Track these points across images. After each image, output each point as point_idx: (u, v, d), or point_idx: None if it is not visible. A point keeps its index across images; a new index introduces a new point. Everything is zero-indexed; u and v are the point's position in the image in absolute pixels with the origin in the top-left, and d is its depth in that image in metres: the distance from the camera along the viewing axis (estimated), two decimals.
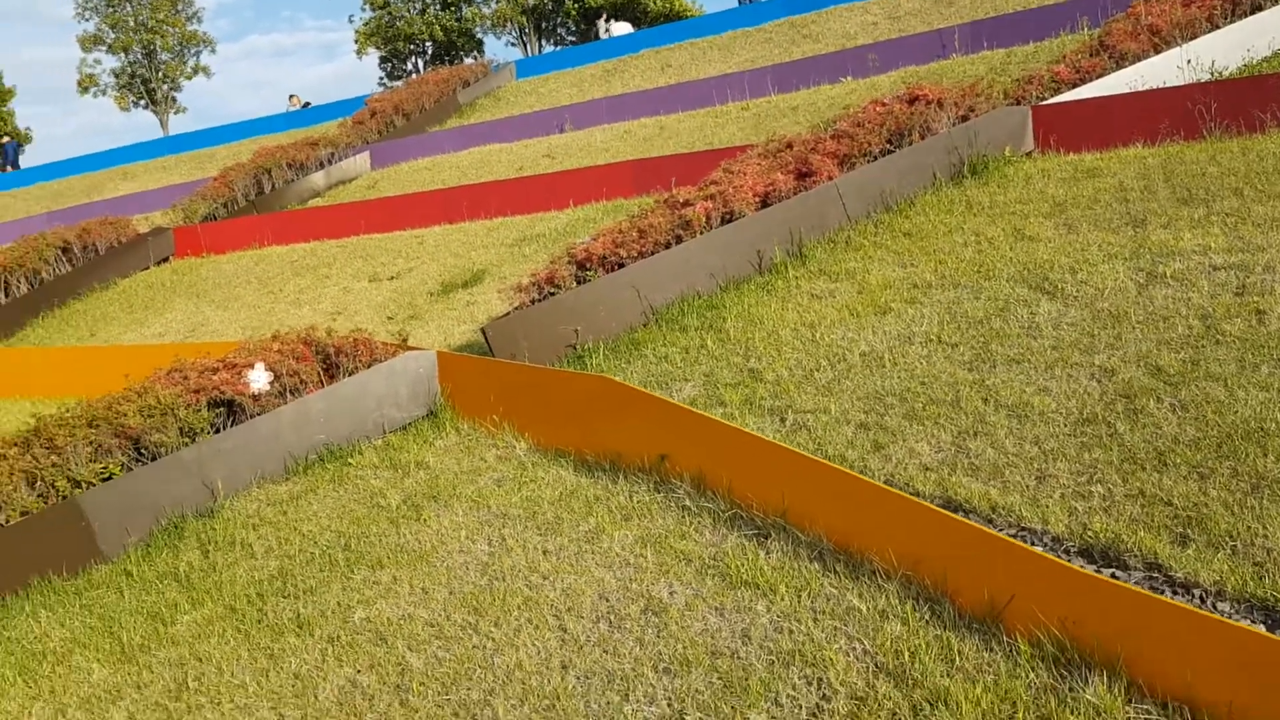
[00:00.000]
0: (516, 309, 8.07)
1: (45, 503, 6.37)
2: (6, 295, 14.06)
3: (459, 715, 3.73)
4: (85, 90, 29.62)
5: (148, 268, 15.31)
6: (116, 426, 6.56)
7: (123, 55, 27.81)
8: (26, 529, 6.23)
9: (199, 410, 6.75)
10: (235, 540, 6.00)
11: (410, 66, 32.58)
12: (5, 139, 28.70)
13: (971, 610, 3.59)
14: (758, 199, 8.49)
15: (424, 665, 4.11)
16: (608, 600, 4.20)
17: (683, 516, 4.74)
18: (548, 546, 4.79)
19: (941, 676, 3.32)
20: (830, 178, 8.65)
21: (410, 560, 5.06)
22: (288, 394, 6.95)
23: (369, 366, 7.08)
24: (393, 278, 12.05)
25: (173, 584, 5.72)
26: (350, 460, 6.64)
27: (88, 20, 29.29)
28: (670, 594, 4.14)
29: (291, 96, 25.78)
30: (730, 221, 8.32)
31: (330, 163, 18.81)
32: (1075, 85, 9.52)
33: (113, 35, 27.72)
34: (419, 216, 13.97)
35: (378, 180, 18.16)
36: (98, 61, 29.60)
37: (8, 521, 6.29)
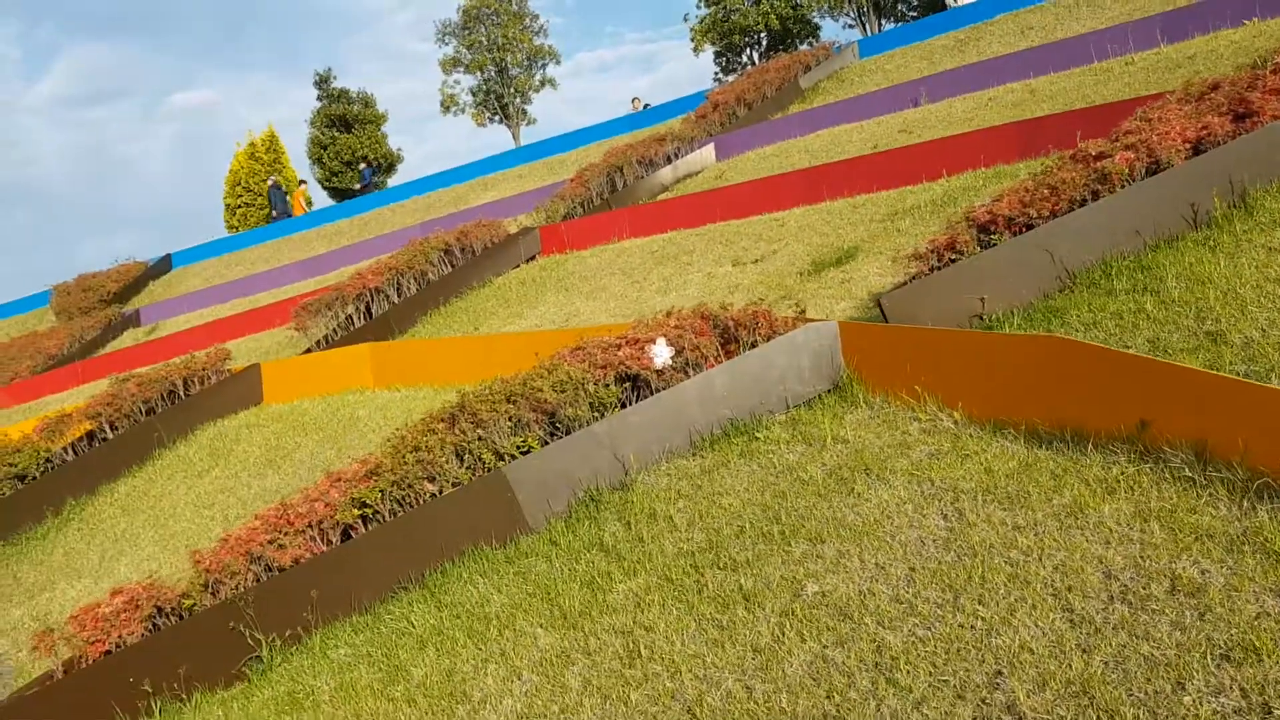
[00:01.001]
0: (914, 278, 7.55)
1: (473, 475, 6.66)
2: (399, 295, 15.35)
3: (963, 697, 3.31)
4: (447, 110, 32.53)
5: (518, 265, 16.18)
6: (533, 401, 6.74)
7: (478, 74, 30.23)
8: (460, 499, 6.53)
9: (607, 385, 6.80)
10: (655, 513, 5.94)
11: (745, 59, 32.78)
12: (363, 165, 31.80)
13: None
14: (1188, 145, 7.46)
15: (902, 643, 3.73)
16: (1118, 579, 3.63)
17: (1186, 488, 4.06)
18: (1019, 521, 4.27)
19: None
20: (1276, 117, 7.45)
21: (853, 534, 4.71)
22: (689, 368, 6.86)
23: (768, 340, 6.84)
24: (757, 260, 11.88)
25: (600, 554, 5.73)
26: (757, 435, 6.42)
27: (446, 44, 32.10)
28: (1201, 573, 3.50)
29: (634, 99, 26.69)
30: (1155, 173, 7.37)
31: (676, 157, 19.08)
32: None
33: (469, 56, 30.16)
34: (774, 200, 13.75)
35: (724, 171, 18.18)
36: (457, 82, 32.42)
37: (441, 492, 6.63)
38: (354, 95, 31.51)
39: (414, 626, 5.84)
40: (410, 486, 6.60)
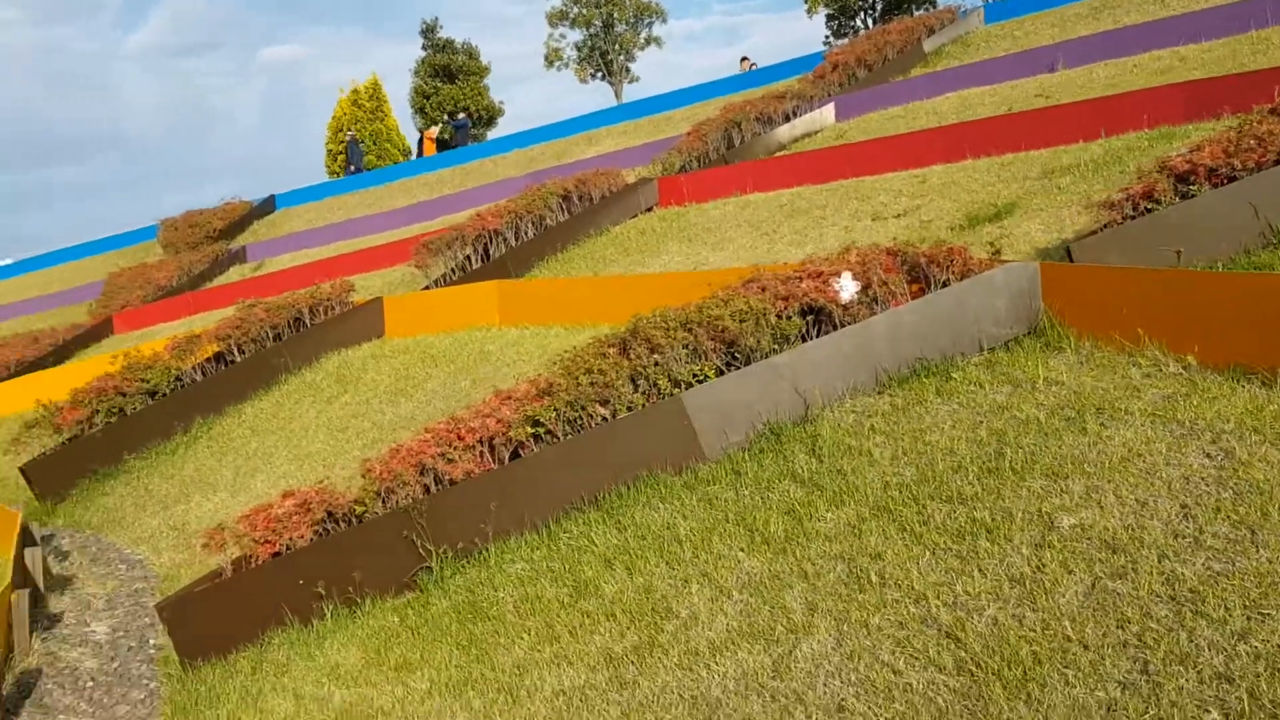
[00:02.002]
0: (1105, 226, 7.20)
1: (648, 400, 6.49)
2: (517, 238, 15.25)
3: None
4: (551, 64, 32.38)
5: (635, 215, 15.97)
6: (712, 329, 6.54)
7: (584, 29, 29.97)
8: (634, 424, 6.36)
9: (790, 317, 6.57)
10: (848, 447, 5.71)
11: (859, 23, 32.04)
12: (461, 115, 31.75)
13: None
14: None
15: (1197, 576, 3.47)
16: None
17: None
18: None
19: None
20: None
21: (1101, 471, 4.44)
22: (875, 304, 6.60)
23: (960, 279, 6.54)
24: (899, 215, 11.52)
25: (793, 484, 5.53)
26: (952, 375, 6.14)
27: None
28: None
29: (743, 59, 26.25)
30: None
31: (795, 116, 18.69)
32: None
33: (576, 10, 29.90)
34: (910, 158, 13.34)
35: (845, 130, 17.74)
36: (563, 36, 32.19)
37: (614, 416, 6.47)
38: (458, 46, 31.49)
39: (595, 545, 5.70)
40: (583, 408, 6.46)
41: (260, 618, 6.23)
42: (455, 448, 6.48)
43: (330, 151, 32.28)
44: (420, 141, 29.48)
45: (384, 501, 6.40)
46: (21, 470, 11.66)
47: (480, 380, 10.40)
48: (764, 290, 6.88)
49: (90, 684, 6.58)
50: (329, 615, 6.11)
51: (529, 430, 6.43)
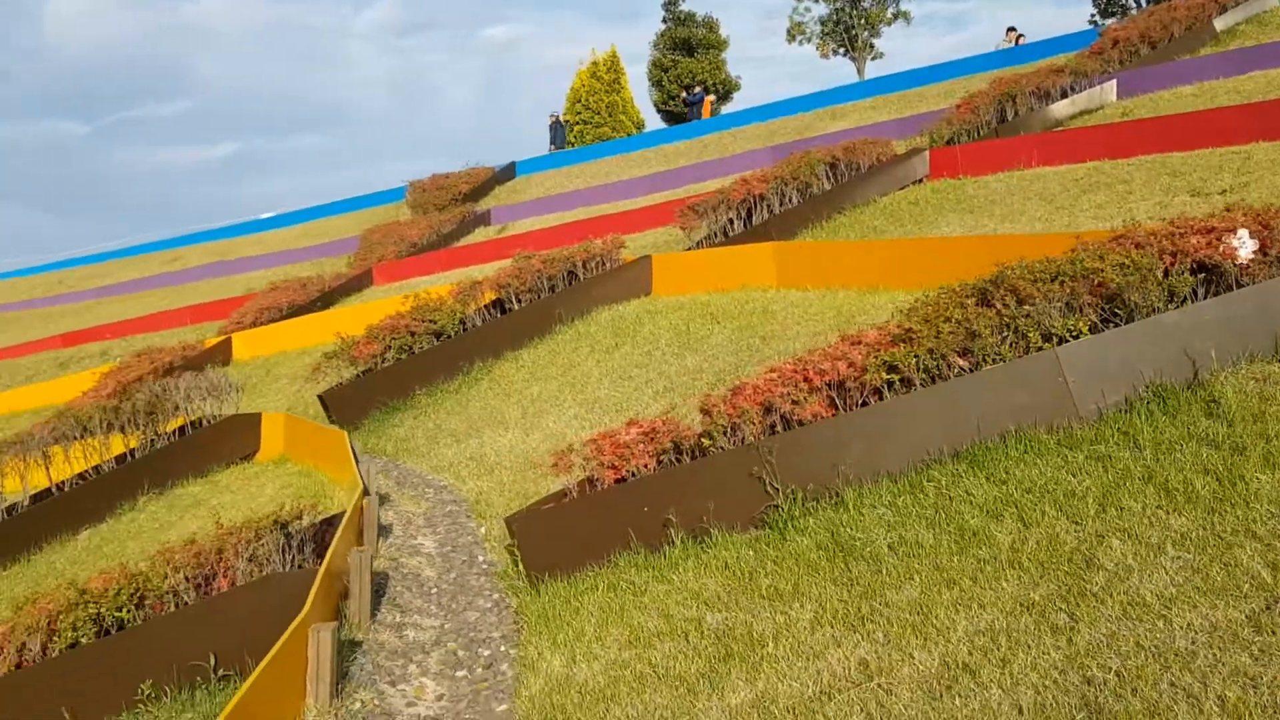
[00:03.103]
0: None
1: (1015, 352, 6.15)
2: (781, 204, 15.07)
3: None
4: (793, 38, 31.89)
5: (904, 186, 15.49)
6: (1091, 282, 6.13)
7: (830, 2, 29.43)
8: (1002, 376, 6.05)
9: (1180, 274, 6.08)
10: (1259, 413, 5.22)
11: (1130, 1, 30.14)
12: (698, 88, 31.69)
13: None
14: None
15: None
16: None
17: None
18: None
19: None
20: None
21: None
22: (1278, 265, 6.02)
23: None
24: (1223, 191, 10.65)
25: (1203, 447, 5.11)
26: None
27: None
28: None
29: (1009, 30, 25.06)
30: None
31: (1072, 91, 17.69)
32: None
33: None
34: (1223, 134, 12.38)
35: (1130, 108, 16.62)
36: (807, 9, 31.67)
37: (977, 367, 6.18)
38: (699, 19, 31.54)
39: (972, 495, 5.44)
40: (943, 357, 6.19)
41: (605, 539, 6.29)
42: (801, 389, 6.34)
43: (567, 122, 32.98)
44: (700, 105, 29.79)
45: (729, 437, 6.34)
46: (320, 398, 12.38)
47: (769, 337, 10.28)
48: (1139, 246, 6.41)
49: (435, 590, 6.84)
50: (679, 541, 6.10)
51: (884, 375, 6.21)
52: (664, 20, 32.59)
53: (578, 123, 32.70)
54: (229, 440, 11.26)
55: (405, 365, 12.48)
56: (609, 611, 5.64)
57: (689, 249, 15.20)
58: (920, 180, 15.68)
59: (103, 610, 5.53)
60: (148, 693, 5.45)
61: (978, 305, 6.51)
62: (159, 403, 10.94)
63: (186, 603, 5.66)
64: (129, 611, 5.57)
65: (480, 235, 25.38)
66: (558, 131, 30.93)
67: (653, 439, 6.45)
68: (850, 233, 14.38)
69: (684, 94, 30.85)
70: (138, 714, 5.41)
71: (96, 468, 10.78)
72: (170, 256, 32.04)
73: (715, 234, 15.19)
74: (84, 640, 5.50)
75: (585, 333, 12.73)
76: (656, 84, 33.19)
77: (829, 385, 6.35)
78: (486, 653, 5.84)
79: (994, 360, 6.17)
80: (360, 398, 12.27)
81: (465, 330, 12.95)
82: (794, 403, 6.30)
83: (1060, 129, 16.34)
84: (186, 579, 5.64)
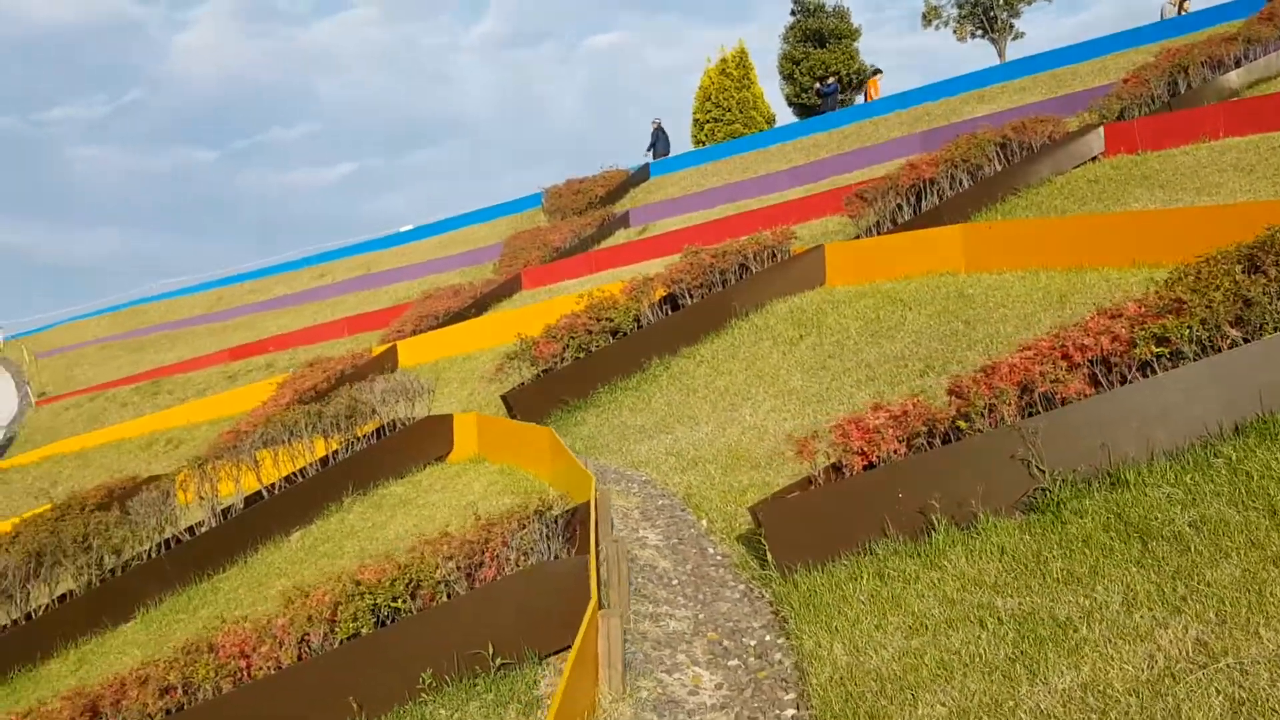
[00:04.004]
0: None
1: None
2: (952, 188, 14.66)
3: None
4: (929, 23, 31.18)
5: (1080, 165, 14.91)
6: None
7: None
8: None
9: None
10: None
11: None
12: (831, 80, 31.17)
13: None
14: None
15: None
16: None
17: None
18: None
19: None
20: None
21: None
22: None
23: None
24: None
25: None
26: None
27: None
28: None
29: None
30: None
31: (1246, 59, 16.77)
32: None
33: None
34: None
35: None
36: None
37: (1253, 336, 5.82)
38: (829, 9, 31.08)
39: (1273, 470, 5.11)
40: (1216, 327, 5.85)
41: (858, 527, 6.13)
42: (1060, 366, 6.08)
43: (697, 121, 32.93)
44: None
45: (986, 419, 6.11)
46: (503, 398, 12.56)
47: (973, 321, 9.97)
48: None
49: (675, 581, 6.79)
50: (940, 529, 5.90)
51: (1154, 349, 5.90)
52: (792, 13, 32.23)
53: (708, 121, 32.60)
54: (425, 441, 11.49)
55: (584, 364, 12.55)
56: (882, 600, 5.49)
57: (855, 237, 14.93)
58: (1095, 158, 15.07)
59: (379, 601, 5.64)
60: (428, 682, 5.54)
61: (1244, 273, 6.15)
62: (357, 406, 11.24)
63: (457, 592, 5.73)
64: (404, 601, 5.67)
65: (621, 237, 25.51)
66: (660, 138, 30.94)
67: (903, 423, 6.27)
68: (1027, 214, 13.91)
69: (817, 85, 30.41)
70: (422, 703, 5.49)
71: (301, 471, 11.13)
72: (319, 271, 33.17)
73: (884, 222, 14.87)
74: (364, 631, 5.61)
75: (763, 325, 12.59)
76: (788, 77, 32.84)
77: (1090, 362, 6.07)
78: (752, 642, 5.75)
79: (1275, 328, 5.80)
80: (541, 397, 12.39)
81: (640, 328, 12.96)
82: (1054, 381, 6.04)
83: (1237, 99, 15.50)
84: (457, 568, 5.70)
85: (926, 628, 5.07)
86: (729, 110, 32.16)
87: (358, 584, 5.73)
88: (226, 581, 10.08)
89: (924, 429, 6.26)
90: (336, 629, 5.62)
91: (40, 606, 9.87)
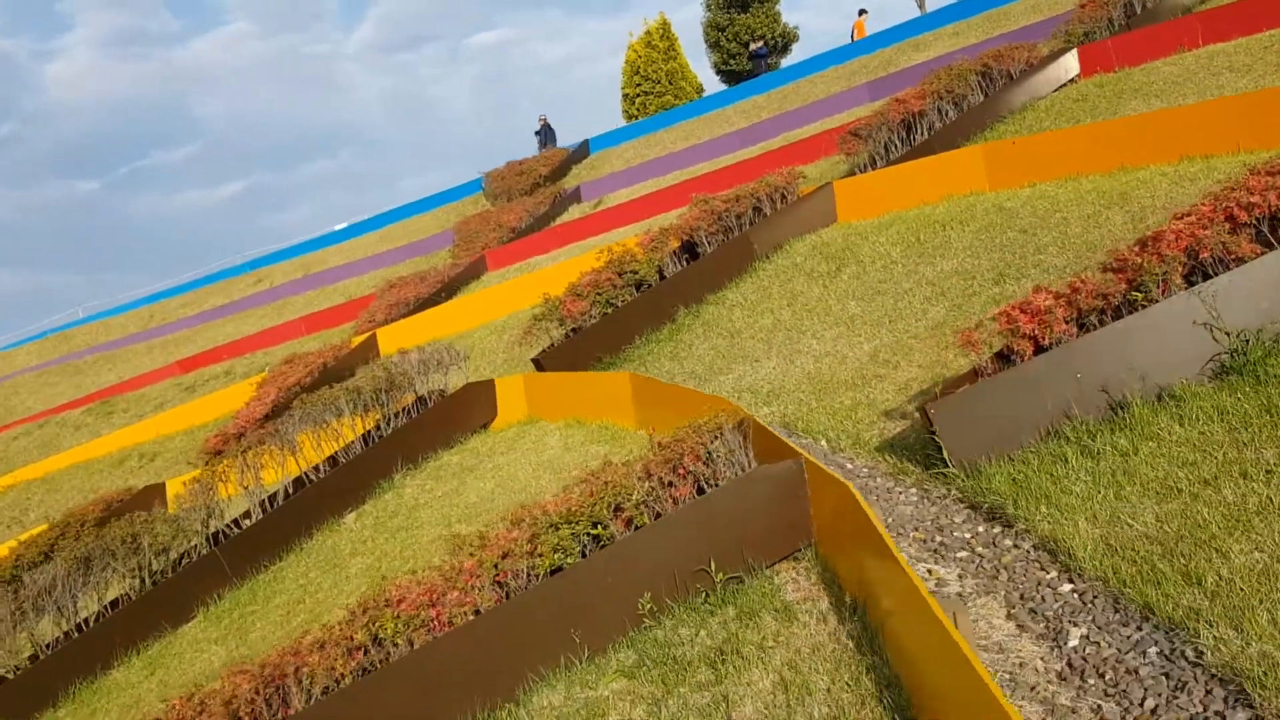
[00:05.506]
0: None
1: None
2: (940, 120, 14.70)
3: None
4: None
5: (1059, 88, 15.07)
6: None
7: None
8: None
9: None
10: None
11: None
12: (758, 44, 31.16)
13: None
14: None
15: None
16: None
17: None
18: None
19: None
20: None
21: None
22: None
23: None
24: None
25: None
26: None
27: None
28: None
29: None
30: None
31: None
32: None
33: None
34: None
35: None
36: None
37: None
38: None
39: None
40: None
41: (1038, 413, 5.97)
42: (1222, 228, 6.00)
43: (627, 95, 32.63)
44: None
45: (1158, 289, 6.01)
46: (534, 360, 12.12)
47: (1029, 230, 9.93)
48: None
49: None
50: (1134, 404, 5.77)
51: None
52: None
53: (638, 95, 32.34)
54: (470, 409, 11.00)
55: (612, 319, 12.20)
56: (1107, 474, 5.32)
57: (850, 172, 14.88)
58: (1074, 80, 15.26)
59: (577, 530, 5.25)
60: (648, 607, 5.17)
61: None
62: (394, 379, 10.69)
63: (657, 513, 5.37)
64: (605, 528, 5.29)
65: (576, 212, 25.09)
66: (547, 134, 30.95)
67: (1073, 302, 6.12)
68: (1016, 135, 13.98)
69: (753, 47, 30.40)
70: (649, 628, 5.13)
71: (346, 449, 10.54)
72: (254, 278, 31.88)
73: (876, 157, 14.83)
74: (569, 562, 5.22)
75: (791, 265, 12.40)
76: (714, 45, 32.77)
77: (1257, 220, 6.01)
78: (966, 535, 5.53)
79: None
80: (574, 355, 11.99)
81: (663, 279, 12.66)
82: (1222, 244, 5.97)
83: (1207, 7, 15.86)
84: (661, 483, 5.35)
85: (1179, 490, 4.92)
86: (658, 82, 31.93)
87: (546, 513, 5.33)
88: (289, 569, 9.46)
89: (1097, 306, 6.11)
90: (537, 562, 5.21)
91: (91, 615, 9.12)
